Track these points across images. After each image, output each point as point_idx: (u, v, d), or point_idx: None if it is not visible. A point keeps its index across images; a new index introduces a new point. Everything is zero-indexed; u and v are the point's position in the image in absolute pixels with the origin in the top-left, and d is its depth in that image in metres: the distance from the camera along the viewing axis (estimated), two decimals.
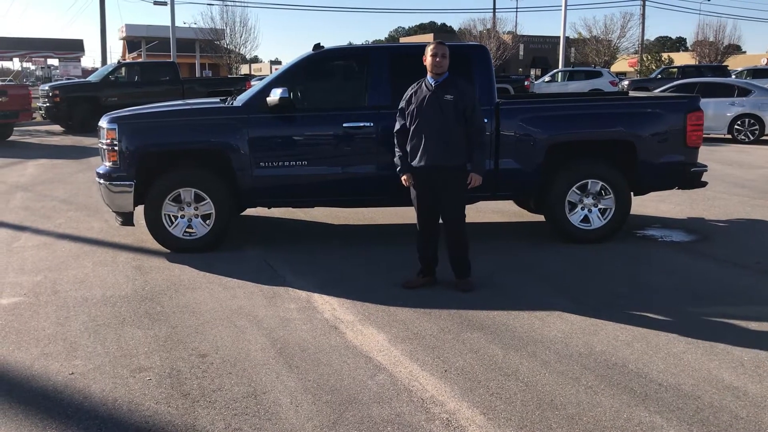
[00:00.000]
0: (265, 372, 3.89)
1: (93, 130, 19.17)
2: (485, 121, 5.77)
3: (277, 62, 78.80)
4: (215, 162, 6.44)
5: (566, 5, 33.65)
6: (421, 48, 5.33)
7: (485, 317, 4.73)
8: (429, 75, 5.19)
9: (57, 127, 20.58)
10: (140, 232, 6.96)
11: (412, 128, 5.21)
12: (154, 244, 6.56)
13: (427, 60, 5.15)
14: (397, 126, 5.34)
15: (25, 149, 15.92)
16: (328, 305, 5.01)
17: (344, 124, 6.37)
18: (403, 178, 5.34)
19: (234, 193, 6.46)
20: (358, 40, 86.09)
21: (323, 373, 3.87)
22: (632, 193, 6.76)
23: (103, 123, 6.46)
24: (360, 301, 5.08)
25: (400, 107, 5.32)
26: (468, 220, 5.46)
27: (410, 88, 5.29)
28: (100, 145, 6.59)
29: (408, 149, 5.26)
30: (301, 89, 6.60)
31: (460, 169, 5.20)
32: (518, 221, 7.91)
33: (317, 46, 6.68)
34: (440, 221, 5.39)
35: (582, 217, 6.67)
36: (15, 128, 18.52)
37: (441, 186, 5.21)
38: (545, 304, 4.99)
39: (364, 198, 6.72)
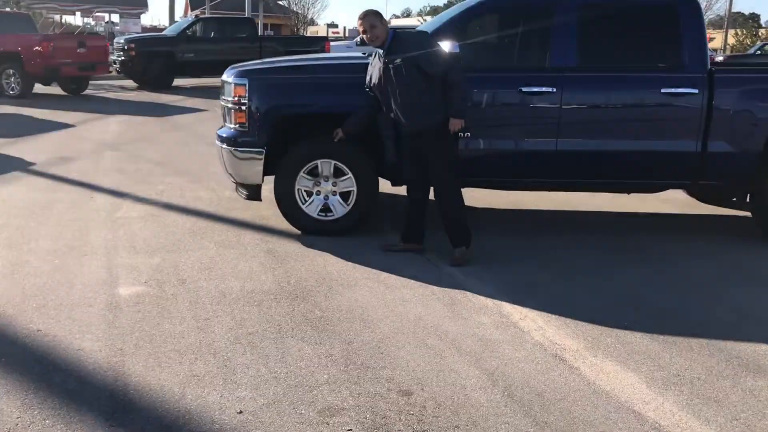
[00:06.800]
0: (504, 428, 2.82)
1: (167, 87, 18.57)
2: (447, 60, 4.71)
3: (333, 25, 76.80)
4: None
5: None
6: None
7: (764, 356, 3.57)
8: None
9: (130, 83, 19.79)
10: (258, 206, 5.98)
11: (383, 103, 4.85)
12: (279, 223, 5.57)
13: None
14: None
15: (102, 104, 15.15)
16: (531, 321, 3.91)
17: (521, 89, 5.21)
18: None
19: (379, 168, 5.40)
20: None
21: None
22: None
23: (229, 77, 5.42)
24: (565, 317, 3.96)
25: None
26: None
27: (370, 63, 4.93)
28: (223, 102, 5.57)
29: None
30: (468, 45, 5.41)
31: (438, 128, 4.67)
32: (696, 214, 6.62)
33: None
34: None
35: None
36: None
37: (424, 151, 4.82)
38: None
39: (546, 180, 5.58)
